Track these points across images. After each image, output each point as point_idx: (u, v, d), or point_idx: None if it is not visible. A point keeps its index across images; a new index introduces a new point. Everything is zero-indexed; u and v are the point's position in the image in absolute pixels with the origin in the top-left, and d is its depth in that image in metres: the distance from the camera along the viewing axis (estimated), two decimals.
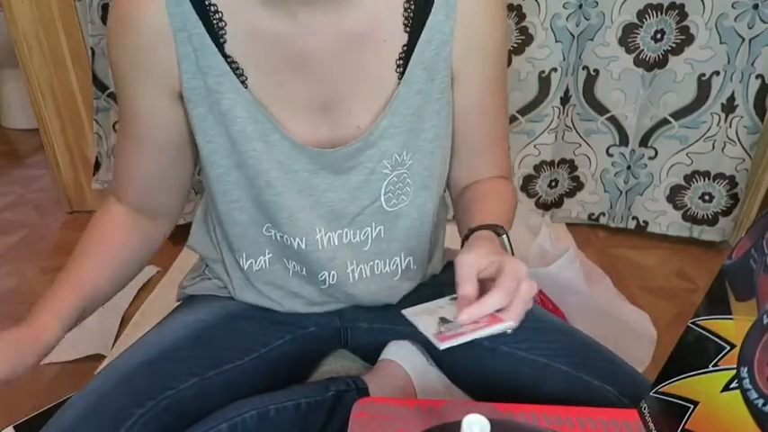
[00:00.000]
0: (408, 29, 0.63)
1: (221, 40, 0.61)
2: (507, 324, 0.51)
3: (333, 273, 0.73)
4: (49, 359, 1.18)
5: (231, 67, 0.61)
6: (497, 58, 0.69)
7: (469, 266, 0.54)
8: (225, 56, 0.61)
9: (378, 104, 0.65)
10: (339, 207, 0.69)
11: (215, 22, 0.60)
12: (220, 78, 0.61)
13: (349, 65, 0.63)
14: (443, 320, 0.55)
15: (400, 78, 0.64)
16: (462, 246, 0.64)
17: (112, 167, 0.78)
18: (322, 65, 0.62)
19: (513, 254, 0.61)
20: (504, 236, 0.63)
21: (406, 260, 0.75)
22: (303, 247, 0.70)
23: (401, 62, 0.64)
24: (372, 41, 0.63)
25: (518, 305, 0.52)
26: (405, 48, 0.63)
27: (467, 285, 0.53)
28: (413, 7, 0.63)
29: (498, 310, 0.52)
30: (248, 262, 0.73)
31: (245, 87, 0.62)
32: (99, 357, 1.18)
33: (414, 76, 0.64)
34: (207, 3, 0.59)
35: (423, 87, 0.65)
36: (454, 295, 0.56)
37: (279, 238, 0.70)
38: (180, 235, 0.88)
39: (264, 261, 0.73)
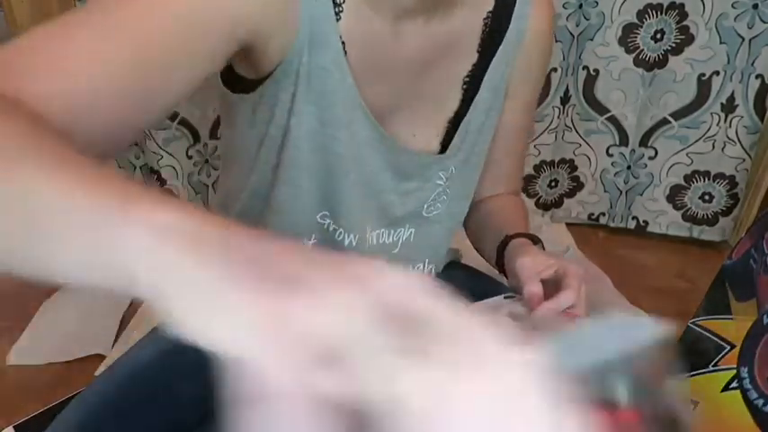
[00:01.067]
0: (480, 48, 0.64)
1: (337, 17, 0.55)
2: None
3: None
4: (49, 359, 1.19)
5: (342, 47, 0.56)
6: (540, 83, 0.73)
7: (532, 268, 0.59)
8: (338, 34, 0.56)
9: (439, 117, 0.66)
10: (387, 208, 0.68)
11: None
12: (332, 56, 0.56)
13: (425, 75, 0.63)
14: (513, 316, 0.59)
15: (463, 95, 0.65)
16: (499, 250, 0.69)
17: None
18: (401, 72, 0.62)
19: None
20: (540, 244, 0.66)
21: (429, 267, 0.76)
22: (354, 243, 0.68)
23: (468, 80, 0.65)
24: (451, 56, 0.63)
25: (583, 304, 0.56)
26: (474, 66, 0.64)
27: (533, 285, 0.58)
28: (489, 26, 0.63)
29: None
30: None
31: (350, 70, 0.58)
32: (99, 357, 1.18)
33: (483, 99, 0.66)
34: None
35: (486, 106, 0.67)
36: (507, 294, 0.63)
37: (332, 229, 0.68)
38: None
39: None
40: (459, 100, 0.66)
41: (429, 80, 0.63)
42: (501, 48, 0.64)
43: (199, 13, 0.44)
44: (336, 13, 0.55)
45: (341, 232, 0.68)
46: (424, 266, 0.76)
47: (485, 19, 0.63)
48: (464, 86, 0.65)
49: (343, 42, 0.57)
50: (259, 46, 0.52)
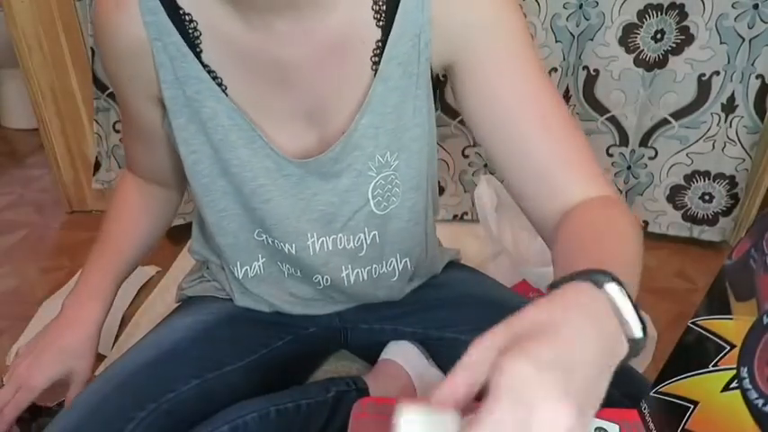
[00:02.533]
0: (381, 23, 0.59)
1: (197, 49, 0.59)
2: None
3: (326, 277, 0.73)
4: None
5: (210, 75, 0.60)
6: (505, 35, 0.59)
7: (477, 351, 0.34)
8: (203, 64, 0.59)
9: (356, 104, 0.62)
10: (330, 211, 0.68)
11: (190, 31, 0.58)
12: (199, 86, 0.60)
13: (329, 71, 0.61)
14: None
15: (375, 76, 0.61)
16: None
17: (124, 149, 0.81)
18: (302, 75, 0.60)
19: (634, 322, 0.37)
20: (611, 285, 0.38)
21: (403, 261, 0.75)
22: (294, 252, 0.70)
23: (376, 59, 0.61)
24: (350, 45, 0.60)
25: None
26: (379, 44, 0.60)
27: (457, 375, 0.34)
28: (383, 0, 0.59)
29: None
30: (243, 270, 0.73)
31: (226, 95, 0.61)
32: (99, 357, 1.18)
33: (388, 73, 0.60)
34: (181, 12, 0.58)
35: (399, 84, 0.61)
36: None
37: (270, 242, 0.70)
38: (180, 235, 0.88)
39: (259, 266, 0.73)
40: (371, 80, 0.61)
41: (340, 73, 0.61)
42: (397, 17, 0.58)
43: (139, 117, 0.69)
44: (196, 46, 0.59)
45: (278, 243, 0.69)
46: (396, 261, 0.75)
47: None
48: (373, 67, 0.61)
49: (212, 71, 0.60)
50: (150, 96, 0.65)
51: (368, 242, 0.71)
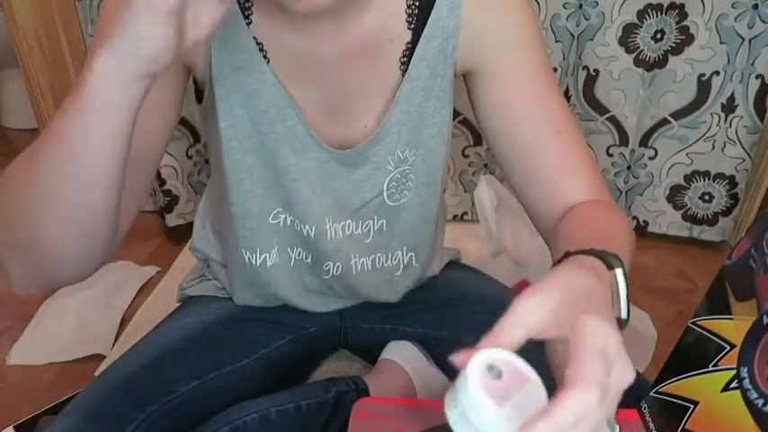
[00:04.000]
0: (412, 26, 0.62)
1: (247, 21, 0.59)
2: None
3: (338, 264, 0.73)
4: (49, 359, 1.19)
5: (258, 48, 0.60)
6: (527, 47, 0.62)
7: (525, 318, 0.36)
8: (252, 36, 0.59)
9: (382, 101, 0.65)
10: (343, 198, 0.69)
11: (241, 1, 0.58)
12: (247, 56, 0.60)
13: (357, 68, 0.62)
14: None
15: (404, 74, 0.63)
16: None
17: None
18: (331, 73, 0.62)
19: (625, 307, 0.44)
20: (620, 270, 0.44)
21: (408, 256, 0.76)
22: (312, 235, 0.70)
23: (405, 59, 0.63)
24: (381, 44, 0.62)
25: (610, 401, 0.33)
26: (408, 45, 0.63)
27: (498, 334, 0.35)
28: (417, 4, 0.62)
29: None
30: (262, 257, 0.72)
31: (269, 69, 0.61)
32: (99, 357, 1.18)
33: (417, 73, 0.63)
34: None
35: (425, 84, 0.64)
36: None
37: (289, 222, 0.69)
38: (180, 235, 0.88)
39: (274, 254, 0.72)
40: (399, 80, 0.64)
41: (367, 71, 0.63)
42: (430, 20, 0.61)
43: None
44: (246, 17, 0.59)
45: (298, 224, 0.69)
46: (402, 255, 0.75)
47: None
48: (402, 67, 0.63)
49: (260, 43, 0.60)
50: (188, 63, 0.60)
51: (375, 229, 0.72)
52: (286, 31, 0.60)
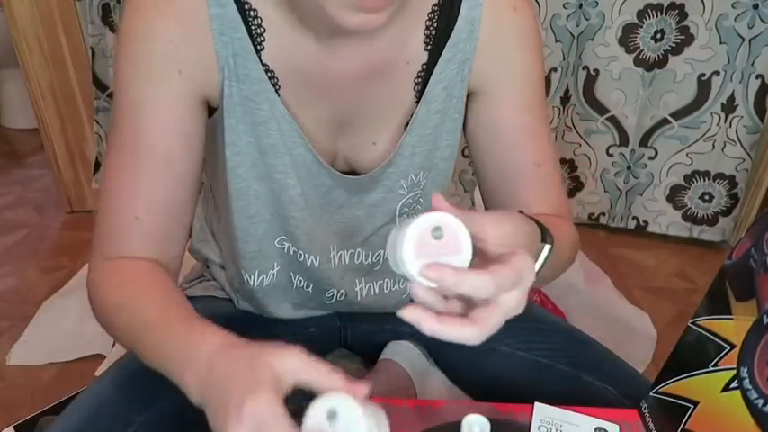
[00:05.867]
0: (429, 47, 0.62)
1: (259, 47, 0.58)
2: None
3: (342, 291, 0.72)
4: (49, 359, 1.19)
5: (267, 76, 0.58)
6: (529, 82, 0.65)
7: (492, 222, 0.42)
8: (262, 64, 0.58)
9: (395, 122, 0.64)
10: (354, 224, 0.68)
11: (254, 27, 0.57)
12: (257, 87, 0.58)
13: (371, 89, 0.62)
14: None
15: (418, 96, 0.63)
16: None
17: (98, 222, 0.59)
18: (346, 89, 0.61)
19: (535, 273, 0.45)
20: (548, 247, 0.50)
21: None
22: (316, 264, 0.69)
23: (419, 80, 0.63)
24: (396, 64, 0.61)
25: (494, 315, 0.40)
26: (424, 66, 0.62)
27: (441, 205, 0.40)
28: (435, 26, 0.61)
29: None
30: (260, 278, 0.71)
31: (279, 97, 0.59)
32: (99, 357, 1.18)
33: (433, 96, 0.62)
34: (247, 7, 0.56)
35: (441, 107, 0.63)
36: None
37: (292, 252, 0.69)
38: None
39: (273, 274, 0.72)
40: (413, 102, 0.63)
41: (379, 89, 0.62)
42: (449, 43, 0.61)
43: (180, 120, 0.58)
44: (258, 43, 0.58)
45: (301, 254, 0.68)
46: None
47: (429, 13, 0.61)
48: (416, 87, 0.63)
49: (271, 70, 0.59)
50: (205, 96, 0.59)
51: (385, 257, 0.71)
52: (299, 53, 0.59)
